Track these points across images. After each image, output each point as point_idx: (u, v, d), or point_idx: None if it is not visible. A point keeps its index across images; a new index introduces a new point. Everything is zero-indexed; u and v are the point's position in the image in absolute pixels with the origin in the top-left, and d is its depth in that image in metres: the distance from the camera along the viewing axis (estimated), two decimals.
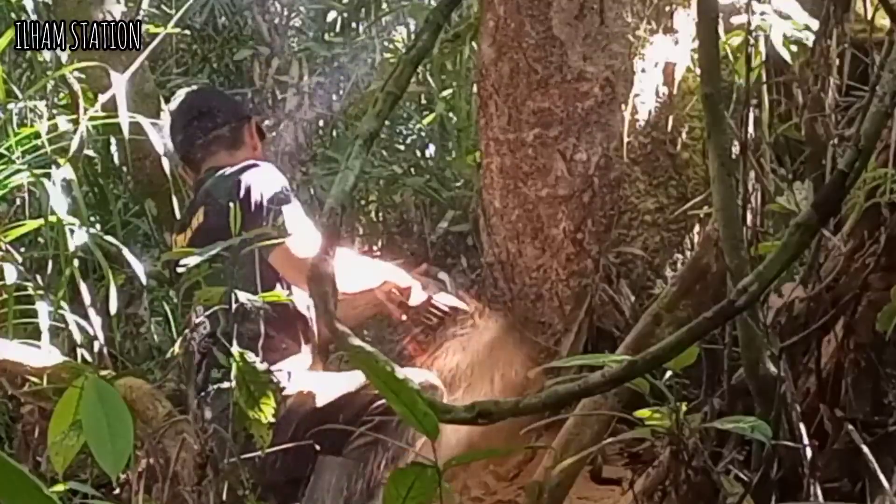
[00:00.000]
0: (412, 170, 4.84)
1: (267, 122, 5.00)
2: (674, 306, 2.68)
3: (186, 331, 2.88)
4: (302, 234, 2.79)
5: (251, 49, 5.47)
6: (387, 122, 3.18)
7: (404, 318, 3.06)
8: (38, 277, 3.42)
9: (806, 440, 2.04)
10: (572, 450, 2.46)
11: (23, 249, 3.67)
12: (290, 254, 2.77)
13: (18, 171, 3.41)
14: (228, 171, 2.96)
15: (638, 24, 3.18)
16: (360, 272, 2.98)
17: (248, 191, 2.84)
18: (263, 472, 2.71)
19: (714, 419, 2.14)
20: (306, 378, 2.87)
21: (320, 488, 2.73)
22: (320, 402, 2.78)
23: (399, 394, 1.39)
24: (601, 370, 1.64)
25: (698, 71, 2.43)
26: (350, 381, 2.80)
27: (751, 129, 2.58)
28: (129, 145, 3.87)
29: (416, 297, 3.01)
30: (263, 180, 2.88)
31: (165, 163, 3.86)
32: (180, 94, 5.08)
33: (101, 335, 3.33)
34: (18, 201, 3.78)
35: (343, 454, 2.74)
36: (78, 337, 3.24)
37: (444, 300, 3.05)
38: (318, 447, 2.71)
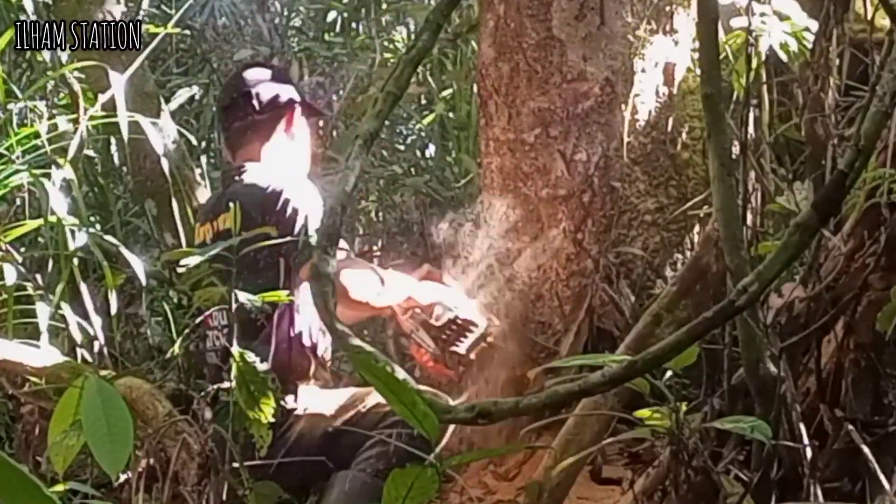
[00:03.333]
0: (412, 170, 4.84)
1: None
2: (674, 306, 2.68)
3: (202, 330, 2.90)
4: (352, 273, 2.80)
5: (251, 49, 5.47)
6: (387, 122, 3.18)
7: (416, 333, 2.99)
8: (38, 277, 3.42)
9: (806, 440, 2.05)
10: (572, 450, 2.46)
11: (23, 249, 3.67)
12: (344, 293, 2.73)
13: (18, 171, 3.41)
14: (262, 182, 2.90)
15: (638, 24, 3.18)
16: (387, 286, 2.92)
17: (290, 211, 2.82)
18: (277, 480, 2.74)
19: (714, 419, 2.14)
20: (317, 398, 2.89)
21: (331, 499, 2.75)
22: (332, 423, 2.80)
23: (399, 394, 1.39)
24: (601, 370, 1.64)
25: (698, 71, 2.44)
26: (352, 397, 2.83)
27: (751, 129, 2.58)
28: (129, 145, 3.87)
29: (439, 316, 2.95)
30: (305, 203, 2.84)
31: (165, 163, 3.86)
32: (180, 94, 5.08)
33: (101, 335, 3.32)
34: (18, 201, 3.78)
35: (351, 466, 2.76)
36: (78, 337, 3.24)
37: (464, 316, 2.97)
38: (330, 464, 2.76)
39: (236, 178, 3.00)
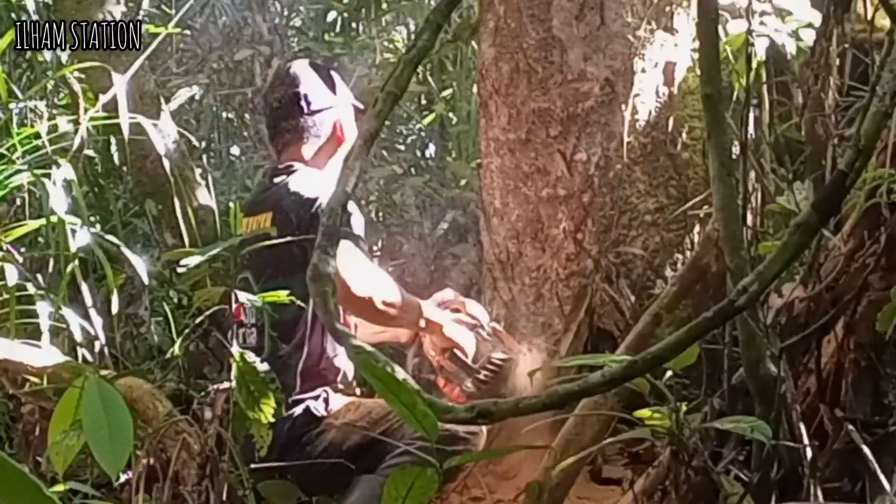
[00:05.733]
0: (412, 170, 4.84)
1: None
2: (674, 306, 2.68)
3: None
4: (358, 271, 2.72)
5: (251, 49, 5.47)
6: (387, 122, 3.17)
7: (452, 373, 2.93)
8: (39, 277, 3.42)
9: (806, 440, 2.05)
10: (572, 450, 2.46)
11: (23, 249, 3.67)
12: (348, 291, 2.68)
13: (19, 171, 3.42)
14: (306, 189, 2.85)
15: (638, 24, 3.18)
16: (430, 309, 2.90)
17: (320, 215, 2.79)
18: (301, 486, 2.77)
19: (714, 419, 2.14)
20: (350, 408, 2.89)
21: (351, 499, 2.75)
22: (365, 434, 2.80)
23: (399, 395, 1.39)
24: (601, 370, 1.64)
25: (698, 71, 2.44)
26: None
27: (751, 129, 2.58)
28: (130, 145, 3.87)
29: (473, 356, 2.90)
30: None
31: (165, 163, 3.86)
32: (180, 94, 5.08)
33: (101, 335, 3.33)
34: (19, 201, 3.78)
35: (375, 472, 2.76)
36: (78, 337, 3.24)
37: (498, 355, 2.91)
38: (353, 467, 2.76)
39: (283, 176, 2.96)
